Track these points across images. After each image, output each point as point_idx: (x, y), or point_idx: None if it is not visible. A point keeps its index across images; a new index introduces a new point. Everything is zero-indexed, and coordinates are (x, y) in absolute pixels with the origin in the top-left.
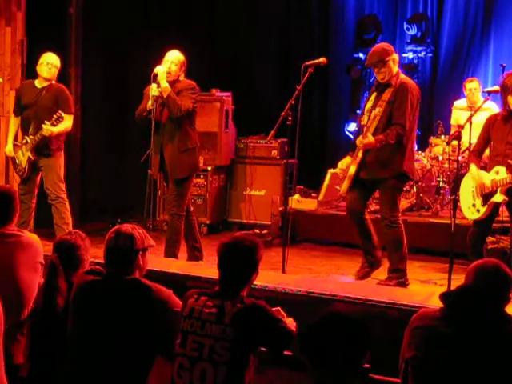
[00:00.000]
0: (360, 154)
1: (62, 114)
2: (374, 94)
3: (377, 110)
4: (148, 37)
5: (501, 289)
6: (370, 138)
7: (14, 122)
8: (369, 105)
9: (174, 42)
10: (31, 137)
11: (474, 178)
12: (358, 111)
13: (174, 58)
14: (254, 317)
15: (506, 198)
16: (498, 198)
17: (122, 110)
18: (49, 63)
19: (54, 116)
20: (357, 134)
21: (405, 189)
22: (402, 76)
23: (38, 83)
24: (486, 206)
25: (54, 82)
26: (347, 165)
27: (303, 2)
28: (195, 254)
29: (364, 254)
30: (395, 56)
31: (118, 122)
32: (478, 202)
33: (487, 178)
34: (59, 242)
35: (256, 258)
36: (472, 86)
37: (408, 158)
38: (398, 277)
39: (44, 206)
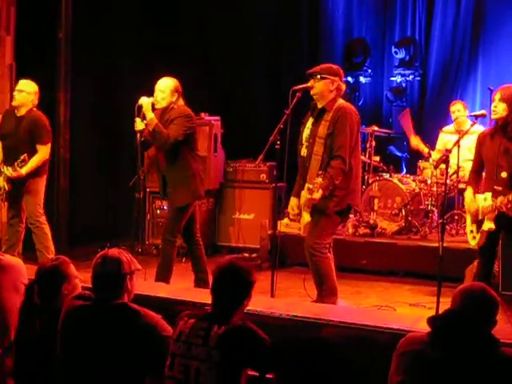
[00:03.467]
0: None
1: (26, 158)
2: (311, 121)
3: (316, 147)
4: (138, 61)
5: (487, 312)
6: (317, 195)
7: None
8: (306, 133)
9: (164, 67)
10: (8, 168)
11: (468, 204)
12: None
13: (160, 86)
14: (239, 338)
15: (493, 227)
16: (486, 225)
17: (111, 134)
18: (17, 89)
19: (18, 160)
20: (301, 165)
21: (393, 212)
22: (341, 101)
23: (17, 112)
24: (480, 234)
25: (34, 109)
26: (297, 207)
27: (292, 27)
28: (200, 284)
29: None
30: (339, 83)
31: (107, 146)
32: (474, 228)
33: (480, 203)
34: (40, 269)
35: (249, 282)
36: (456, 107)
37: (353, 188)
38: None
39: (30, 230)
